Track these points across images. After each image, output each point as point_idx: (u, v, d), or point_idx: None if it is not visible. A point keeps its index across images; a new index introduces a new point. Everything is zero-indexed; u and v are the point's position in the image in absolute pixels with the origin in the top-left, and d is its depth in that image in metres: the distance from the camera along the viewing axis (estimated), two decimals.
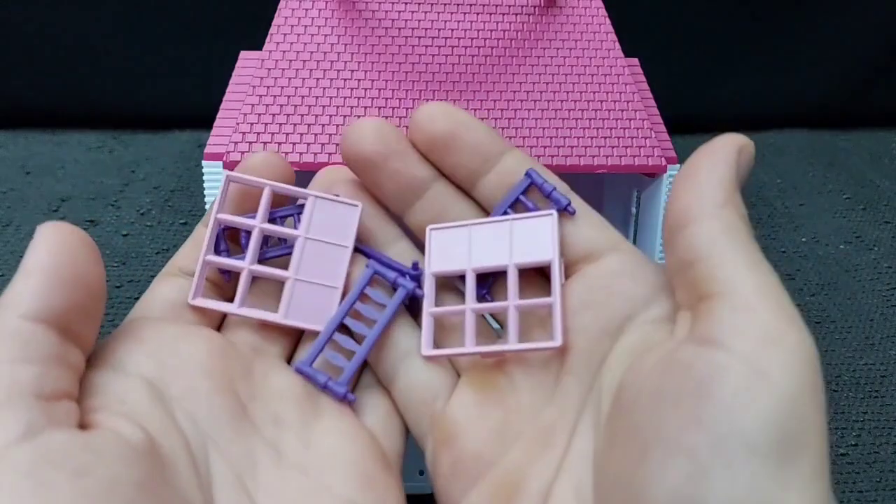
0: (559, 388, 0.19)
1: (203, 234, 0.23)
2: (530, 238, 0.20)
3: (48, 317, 0.17)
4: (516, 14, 0.36)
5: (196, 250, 0.23)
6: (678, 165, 0.35)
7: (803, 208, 0.57)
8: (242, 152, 0.32)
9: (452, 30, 0.35)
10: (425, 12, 0.35)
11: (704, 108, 0.68)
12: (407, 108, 0.33)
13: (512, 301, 0.20)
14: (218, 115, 0.34)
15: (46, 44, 0.61)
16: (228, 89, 0.36)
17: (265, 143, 0.32)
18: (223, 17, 0.61)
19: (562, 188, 0.22)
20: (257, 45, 0.35)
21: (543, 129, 0.34)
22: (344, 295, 0.22)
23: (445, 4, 0.36)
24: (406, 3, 0.35)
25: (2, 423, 0.15)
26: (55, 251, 0.17)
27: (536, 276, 0.22)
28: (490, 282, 0.22)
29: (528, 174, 0.21)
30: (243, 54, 0.37)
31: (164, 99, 0.64)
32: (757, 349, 0.15)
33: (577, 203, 0.22)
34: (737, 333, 0.16)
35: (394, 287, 0.21)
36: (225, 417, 0.19)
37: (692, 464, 0.15)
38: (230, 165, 0.32)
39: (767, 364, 0.15)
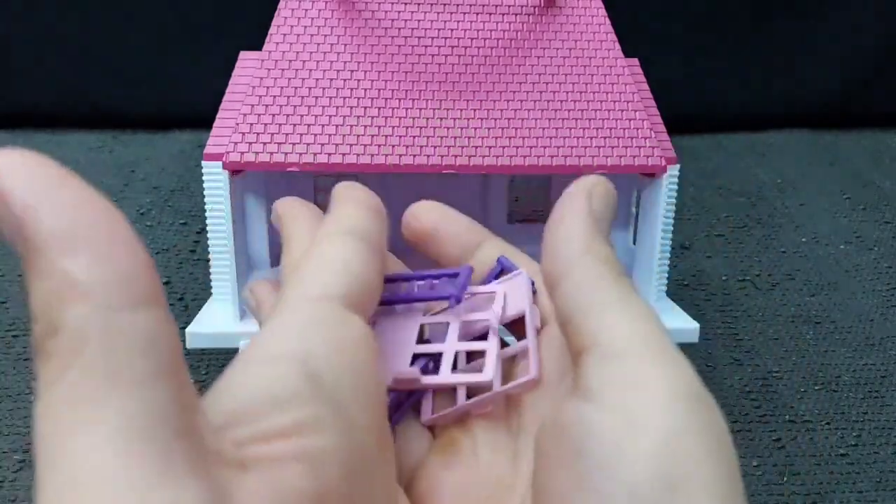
0: (517, 446, 0.19)
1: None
2: (508, 299, 0.22)
3: (145, 298, 0.12)
4: (516, 14, 0.36)
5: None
6: (678, 165, 0.35)
7: (803, 208, 0.56)
8: (242, 152, 0.32)
9: (452, 30, 0.35)
10: (425, 12, 0.35)
11: (704, 108, 0.68)
12: (406, 109, 0.33)
13: (492, 346, 0.21)
14: (218, 116, 0.34)
15: (47, 45, 0.61)
16: (228, 89, 0.36)
17: (265, 143, 0.32)
18: (223, 18, 0.61)
19: (530, 270, 0.23)
20: (257, 45, 0.35)
21: (543, 129, 0.34)
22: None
23: (445, 4, 0.36)
24: (406, 4, 0.35)
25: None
26: (71, 199, 0.13)
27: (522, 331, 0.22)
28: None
29: (499, 260, 0.24)
30: (243, 54, 0.37)
31: (164, 99, 0.64)
32: (624, 396, 0.15)
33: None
34: (605, 384, 0.15)
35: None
36: (381, 461, 0.16)
37: None
38: (230, 166, 0.32)
39: (635, 409, 0.15)
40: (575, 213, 0.19)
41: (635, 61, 0.39)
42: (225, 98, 0.35)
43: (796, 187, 0.59)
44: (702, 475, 0.14)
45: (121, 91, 0.63)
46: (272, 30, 0.34)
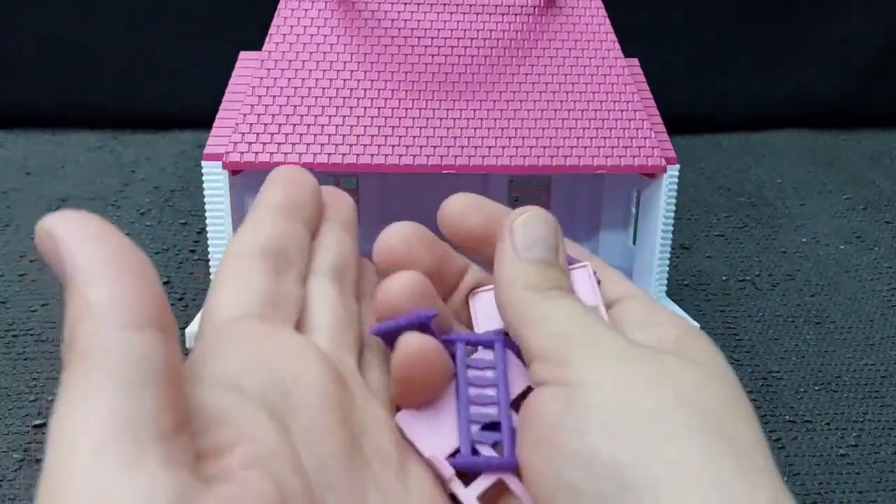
0: None
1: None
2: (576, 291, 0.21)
3: (147, 321, 0.14)
4: (516, 14, 0.36)
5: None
6: (678, 166, 0.35)
7: (803, 208, 0.56)
8: (242, 152, 0.32)
9: (452, 29, 0.35)
10: (425, 12, 0.35)
11: (704, 108, 0.68)
12: (406, 109, 0.33)
13: None
14: (218, 116, 0.34)
15: (47, 44, 0.61)
16: (228, 89, 0.36)
17: (264, 143, 0.32)
18: (223, 18, 0.61)
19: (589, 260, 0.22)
20: (257, 45, 0.35)
21: (543, 129, 0.34)
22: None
23: (445, 4, 0.36)
24: (405, 4, 0.35)
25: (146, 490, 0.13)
26: (103, 243, 0.15)
27: None
28: None
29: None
30: (243, 54, 0.37)
31: (164, 99, 0.64)
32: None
33: (597, 262, 0.22)
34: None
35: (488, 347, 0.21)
36: (344, 457, 0.16)
37: None
38: (229, 166, 0.32)
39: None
40: (499, 256, 0.20)
41: (635, 61, 0.39)
42: (225, 98, 0.35)
43: (796, 187, 0.59)
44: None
45: (121, 91, 0.63)
46: (272, 30, 0.34)
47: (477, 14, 0.36)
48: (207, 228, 0.34)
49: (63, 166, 0.58)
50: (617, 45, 0.36)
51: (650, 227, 0.36)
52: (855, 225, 0.55)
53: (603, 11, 0.36)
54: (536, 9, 0.36)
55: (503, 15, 0.36)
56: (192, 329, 0.33)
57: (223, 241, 0.34)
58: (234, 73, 0.36)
